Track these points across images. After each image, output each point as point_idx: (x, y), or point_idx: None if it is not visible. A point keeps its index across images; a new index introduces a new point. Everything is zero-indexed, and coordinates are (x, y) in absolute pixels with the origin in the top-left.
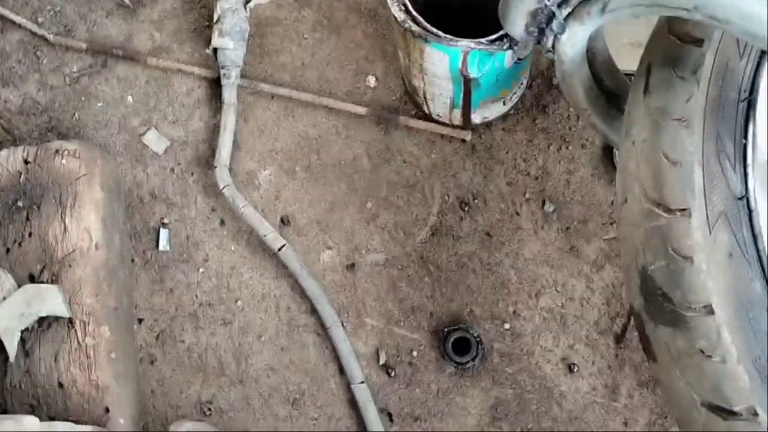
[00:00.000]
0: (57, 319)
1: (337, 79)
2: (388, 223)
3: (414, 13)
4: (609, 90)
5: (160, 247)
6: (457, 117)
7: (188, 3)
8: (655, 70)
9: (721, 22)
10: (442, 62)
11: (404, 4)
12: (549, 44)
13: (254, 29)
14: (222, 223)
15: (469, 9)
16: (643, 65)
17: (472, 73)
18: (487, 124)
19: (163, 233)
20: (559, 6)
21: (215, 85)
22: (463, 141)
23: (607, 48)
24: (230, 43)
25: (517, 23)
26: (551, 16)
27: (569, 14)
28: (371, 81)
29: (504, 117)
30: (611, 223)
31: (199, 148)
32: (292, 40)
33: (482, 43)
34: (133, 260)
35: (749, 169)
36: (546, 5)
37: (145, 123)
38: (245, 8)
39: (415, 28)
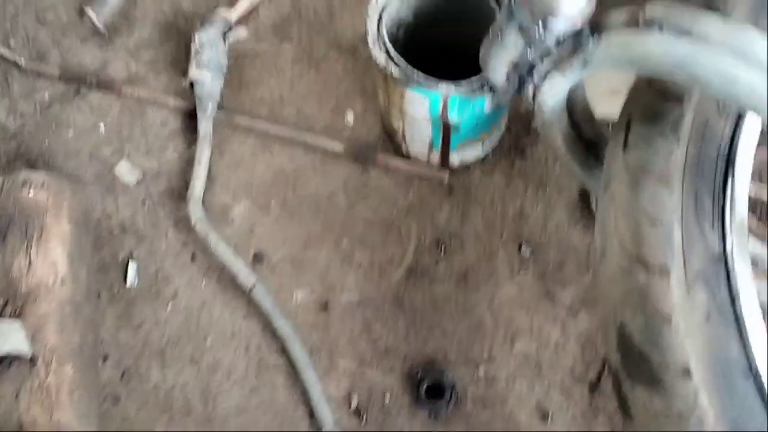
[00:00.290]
0: (19, 356)
1: (316, 115)
2: (364, 262)
3: (395, 55)
4: (588, 138)
5: (128, 282)
6: (435, 158)
7: (166, 33)
8: (635, 124)
9: (703, 83)
10: (422, 106)
11: (385, 47)
12: (529, 94)
13: (233, 62)
14: (193, 258)
15: (450, 50)
16: (623, 119)
17: (452, 118)
18: (466, 166)
19: (132, 267)
20: (541, 58)
21: (191, 117)
22: (441, 182)
23: (586, 97)
24: (207, 76)
25: (498, 71)
26: (532, 67)
27: (551, 66)
28: (350, 117)
29: (482, 159)
30: (587, 269)
31: (172, 180)
32: (271, 74)
33: (462, 87)
34: (99, 295)
35: (727, 229)
36: (527, 56)
37: (118, 153)
38: (224, 41)
39: (395, 71)
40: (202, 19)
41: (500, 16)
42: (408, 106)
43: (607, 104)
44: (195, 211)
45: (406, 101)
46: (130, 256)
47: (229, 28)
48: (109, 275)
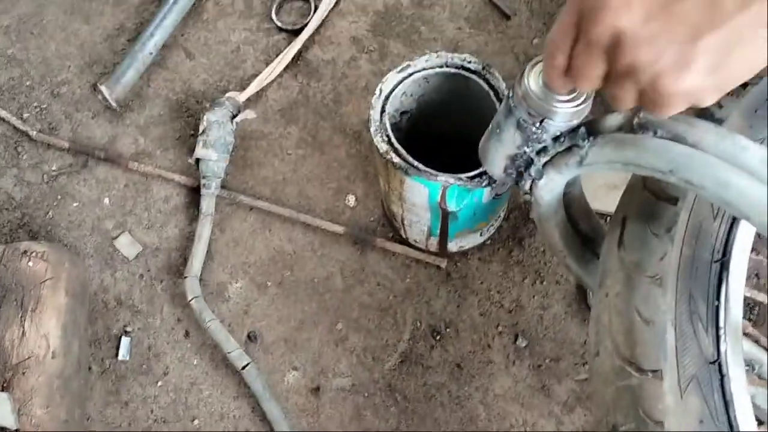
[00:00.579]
0: (3, 429)
1: (317, 197)
2: (357, 346)
3: (396, 144)
4: (584, 233)
5: (120, 356)
6: (433, 244)
7: (175, 111)
8: (630, 223)
9: (696, 187)
10: (421, 194)
11: (387, 135)
12: (527, 187)
13: (239, 141)
14: (186, 334)
15: (452, 137)
16: (618, 216)
17: (451, 206)
18: (463, 253)
19: (125, 342)
20: (538, 153)
21: (194, 194)
22: (439, 268)
23: (583, 193)
24: (213, 155)
25: (496, 164)
26: (530, 162)
27: (547, 162)
28: (351, 201)
29: (480, 247)
30: (583, 364)
31: (171, 255)
32: (276, 155)
33: (461, 179)
34: (90, 368)
35: (721, 332)
36: (525, 152)
37: (119, 226)
38: (232, 122)
39: (396, 159)
40: (212, 99)
41: (499, 111)
42: (408, 193)
43: (604, 199)
44: (192, 287)
45: (406, 188)
46: (123, 331)
47: (238, 109)
48: (102, 349)
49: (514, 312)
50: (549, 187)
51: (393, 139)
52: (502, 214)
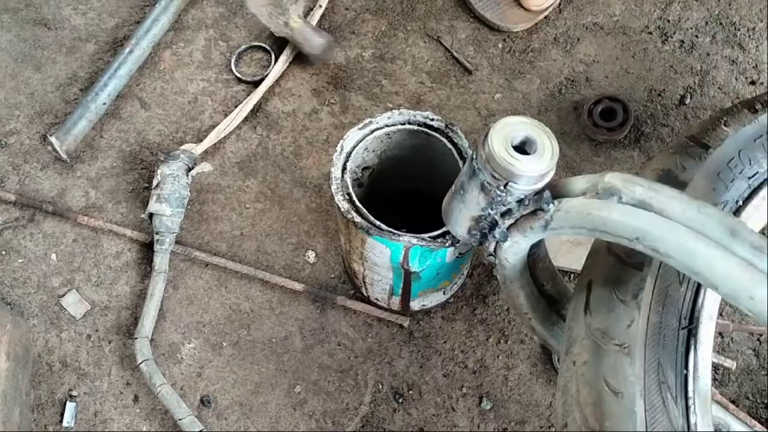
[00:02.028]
0: None
1: (276, 252)
2: (317, 410)
3: (358, 203)
4: (550, 295)
5: (65, 423)
6: (395, 303)
7: (129, 163)
8: (596, 288)
9: (663, 256)
10: (383, 254)
11: (348, 194)
12: (491, 248)
13: (195, 195)
14: (136, 399)
15: (414, 194)
16: (584, 280)
17: (413, 266)
18: (426, 311)
19: (69, 407)
20: (503, 216)
21: (147, 249)
22: (401, 326)
23: (548, 254)
24: (167, 210)
25: (460, 225)
26: (494, 224)
27: (512, 225)
28: (311, 257)
29: (443, 305)
30: (549, 427)
31: (121, 314)
32: (233, 209)
33: (424, 239)
34: None
35: (690, 402)
36: (489, 214)
37: (67, 284)
38: (187, 175)
39: (358, 219)
40: (167, 152)
41: (462, 173)
42: (369, 253)
43: (568, 256)
44: (142, 349)
45: (368, 248)
46: (68, 395)
47: (193, 162)
48: (45, 415)
49: (479, 372)
50: (514, 250)
51: (354, 198)
52: (465, 272)
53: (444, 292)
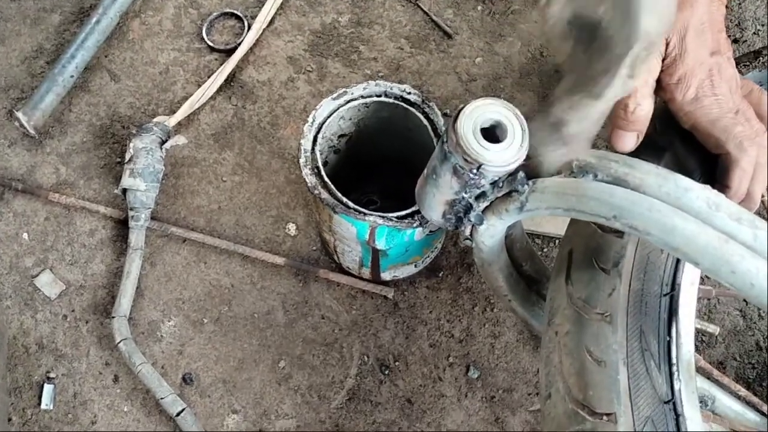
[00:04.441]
0: None
1: (255, 226)
2: (302, 385)
3: (326, 179)
4: (528, 275)
5: (43, 405)
6: (366, 273)
7: (100, 137)
8: (576, 257)
9: (642, 233)
10: (349, 231)
11: (317, 167)
12: (467, 233)
13: (169, 169)
14: (116, 379)
15: (393, 159)
16: (565, 250)
17: (380, 245)
18: (411, 281)
19: (47, 389)
20: (477, 199)
21: (122, 226)
22: (386, 298)
23: (524, 234)
24: (142, 185)
25: (434, 210)
26: (469, 208)
27: (487, 207)
28: (291, 229)
29: (428, 275)
30: (536, 394)
31: (97, 293)
32: (210, 182)
33: (391, 219)
34: (10, 419)
35: (674, 369)
36: (463, 197)
37: (40, 263)
38: (161, 148)
39: (324, 195)
40: (140, 124)
41: (434, 156)
42: (336, 227)
43: (554, 221)
44: (120, 328)
45: (335, 223)
46: (46, 377)
47: (167, 134)
48: (23, 398)
49: (465, 341)
50: (490, 233)
51: (323, 173)
52: (438, 246)
53: (415, 265)
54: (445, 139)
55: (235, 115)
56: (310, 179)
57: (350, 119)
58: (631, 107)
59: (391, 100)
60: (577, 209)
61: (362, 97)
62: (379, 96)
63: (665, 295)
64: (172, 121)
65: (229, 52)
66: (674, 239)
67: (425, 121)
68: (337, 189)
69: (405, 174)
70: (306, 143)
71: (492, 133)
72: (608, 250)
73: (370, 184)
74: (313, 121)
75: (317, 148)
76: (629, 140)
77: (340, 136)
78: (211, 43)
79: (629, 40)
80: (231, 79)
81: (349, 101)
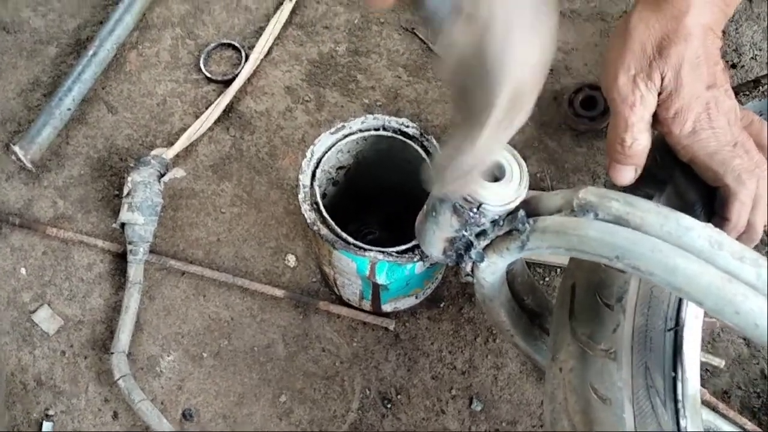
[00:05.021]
0: None
1: (255, 258)
2: (303, 419)
3: (325, 214)
4: (531, 309)
5: None
6: (367, 305)
7: (97, 170)
8: (579, 291)
9: (644, 273)
10: (349, 266)
11: (316, 203)
12: (467, 269)
13: (168, 201)
14: (115, 416)
15: (392, 191)
16: (567, 283)
17: (380, 279)
18: (412, 312)
19: (47, 426)
20: (477, 237)
21: (120, 260)
22: (387, 329)
23: (526, 268)
24: (140, 218)
25: (434, 247)
26: (469, 245)
27: (488, 245)
28: (291, 260)
29: (429, 305)
30: (540, 426)
31: (96, 329)
32: (209, 214)
33: (391, 254)
34: None
35: (680, 406)
36: (464, 235)
37: (38, 299)
38: (159, 182)
39: (324, 231)
40: (138, 156)
41: (433, 193)
42: (336, 261)
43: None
44: (119, 364)
45: (334, 258)
46: (45, 415)
47: (165, 167)
48: None
49: (468, 373)
50: (491, 270)
51: (322, 208)
52: (439, 276)
53: (416, 297)
54: None
55: (233, 146)
56: (309, 215)
57: (348, 152)
58: (628, 142)
59: (389, 134)
60: (578, 249)
61: (360, 130)
62: (377, 129)
63: (670, 330)
64: (170, 153)
65: (227, 83)
66: (677, 279)
67: (424, 155)
68: (335, 221)
69: (404, 205)
70: (304, 178)
71: (491, 172)
72: (612, 285)
73: (369, 214)
74: (312, 156)
75: (316, 183)
76: (627, 174)
77: (339, 168)
78: (208, 74)
79: (495, 91)
80: (229, 110)
81: (347, 135)
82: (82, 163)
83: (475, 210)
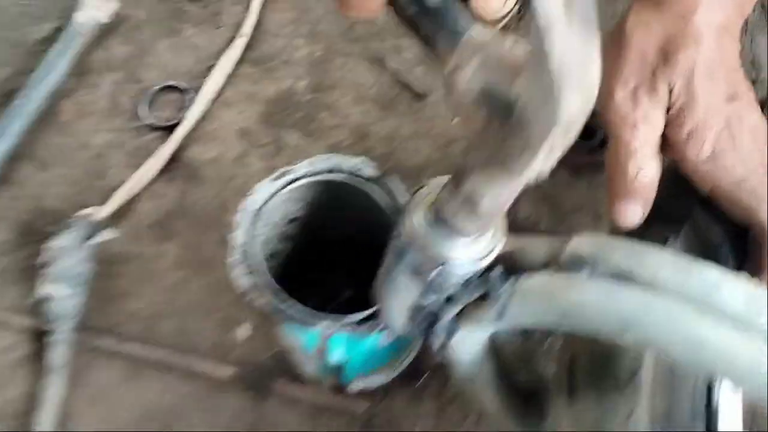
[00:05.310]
0: None
1: (201, 330)
2: None
3: (263, 279)
4: (525, 387)
5: None
6: (330, 383)
7: (23, 236)
8: (581, 366)
9: (662, 349)
10: (297, 340)
11: (252, 266)
12: (438, 344)
13: (100, 267)
14: None
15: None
16: (564, 356)
17: (336, 356)
18: (386, 390)
19: None
20: (446, 303)
21: (43, 340)
22: (354, 414)
23: (516, 333)
24: (62, 291)
25: (395, 317)
26: (437, 314)
27: (458, 314)
28: (243, 332)
29: (406, 381)
30: None
31: (9, 424)
32: (148, 281)
33: (347, 324)
34: None
35: None
36: (426, 303)
37: None
38: (86, 246)
39: (260, 302)
40: (59, 220)
41: (388, 251)
42: (284, 338)
43: None
44: None
45: (281, 334)
46: None
47: (93, 229)
48: None
49: None
50: (467, 345)
51: (259, 272)
52: (417, 345)
53: (386, 375)
54: (398, 232)
55: (178, 201)
56: (243, 281)
57: (300, 200)
58: (631, 172)
59: (343, 177)
60: (571, 320)
61: (308, 175)
62: (329, 172)
63: (699, 413)
64: (103, 212)
65: (172, 129)
66: (706, 356)
67: (387, 200)
68: (291, 285)
69: (377, 257)
70: (238, 236)
71: None
72: (621, 357)
73: (339, 270)
74: (246, 209)
75: (254, 241)
76: (633, 212)
77: (291, 220)
78: (151, 121)
79: (549, 122)
80: (173, 159)
81: (292, 181)
82: (6, 229)
83: (437, 270)
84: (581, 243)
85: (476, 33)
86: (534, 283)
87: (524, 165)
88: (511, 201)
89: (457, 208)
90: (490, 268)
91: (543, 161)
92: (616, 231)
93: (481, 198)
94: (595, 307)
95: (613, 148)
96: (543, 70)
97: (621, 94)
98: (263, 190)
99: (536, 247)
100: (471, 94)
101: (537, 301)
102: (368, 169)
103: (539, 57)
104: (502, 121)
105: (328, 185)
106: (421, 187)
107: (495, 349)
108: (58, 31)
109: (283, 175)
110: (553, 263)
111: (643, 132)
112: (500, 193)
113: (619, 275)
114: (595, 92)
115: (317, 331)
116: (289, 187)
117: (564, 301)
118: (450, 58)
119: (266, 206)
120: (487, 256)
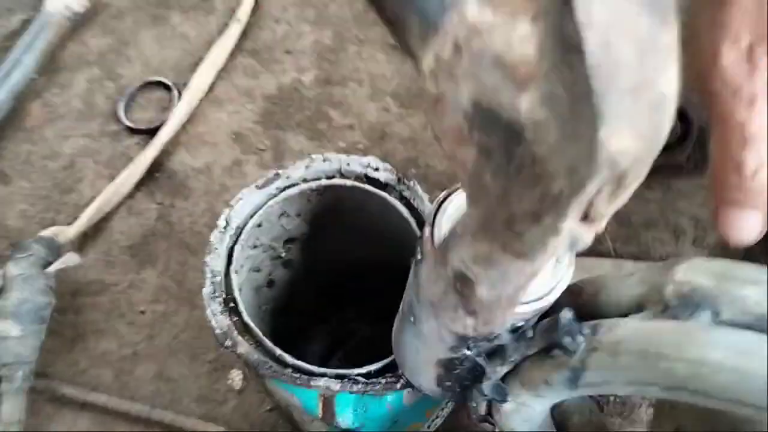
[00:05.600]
0: None
1: (185, 377)
2: None
3: (246, 318)
4: None
5: None
6: None
7: None
8: None
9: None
10: (292, 400)
11: (232, 301)
12: (481, 411)
13: (63, 301)
14: None
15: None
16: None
17: (344, 422)
18: None
19: None
20: (490, 357)
21: None
22: None
23: (588, 400)
24: (15, 329)
25: (421, 373)
26: (478, 371)
27: (511, 372)
28: (236, 379)
29: None
30: None
31: None
32: (122, 316)
33: (356, 381)
34: None
35: None
36: (465, 355)
37: None
38: (45, 274)
39: (242, 349)
40: (15, 243)
41: (408, 288)
42: (275, 393)
43: None
44: None
45: (270, 389)
46: None
47: (55, 253)
48: None
49: None
50: (522, 416)
51: (240, 306)
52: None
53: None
54: (419, 257)
55: (160, 218)
56: (220, 321)
57: (297, 215)
58: (750, 166)
59: (350, 183)
60: (690, 389)
61: (305, 180)
62: (331, 177)
63: None
64: (70, 232)
65: (154, 133)
66: None
67: (405, 211)
68: (291, 321)
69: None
70: (214, 262)
71: None
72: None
73: (352, 305)
74: (227, 225)
75: (233, 269)
76: (752, 224)
77: (287, 241)
78: (130, 123)
79: (581, 167)
80: (156, 168)
81: (284, 189)
82: None
83: None
84: (692, 273)
85: (468, 11)
86: (626, 333)
87: (540, 239)
88: (526, 289)
89: (444, 287)
90: (553, 309)
91: (575, 231)
92: (726, 250)
93: (474, 283)
94: (726, 372)
95: (721, 133)
96: (571, 73)
97: (731, 57)
98: (245, 200)
99: (621, 280)
100: (457, 111)
101: (633, 361)
102: (381, 172)
103: (564, 49)
104: (505, 158)
105: (334, 193)
106: (446, 198)
107: (559, 420)
108: (28, 23)
109: (271, 181)
110: (651, 303)
111: (764, 109)
112: (501, 281)
113: (759, 320)
114: (670, 113)
115: (315, 391)
116: (281, 196)
117: (678, 362)
118: (425, 53)
119: (252, 222)
120: (548, 294)
